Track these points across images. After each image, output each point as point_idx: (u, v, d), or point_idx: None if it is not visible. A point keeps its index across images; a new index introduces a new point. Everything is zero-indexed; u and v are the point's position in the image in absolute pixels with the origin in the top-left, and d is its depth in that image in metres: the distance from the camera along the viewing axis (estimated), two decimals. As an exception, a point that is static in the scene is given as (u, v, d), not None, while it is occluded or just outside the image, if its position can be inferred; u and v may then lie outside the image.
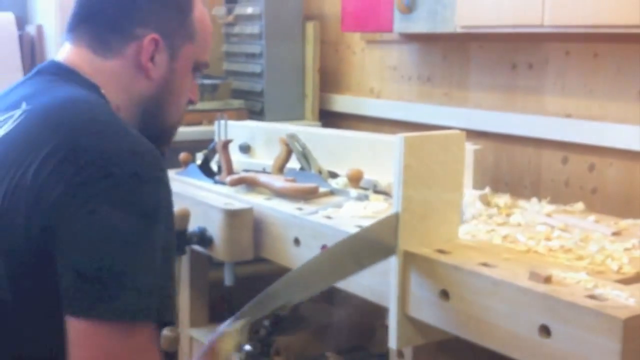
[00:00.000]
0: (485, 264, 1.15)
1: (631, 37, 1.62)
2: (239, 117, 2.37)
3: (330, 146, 1.94)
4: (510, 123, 1.95)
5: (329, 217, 1.50)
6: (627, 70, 1.69)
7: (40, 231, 0.89)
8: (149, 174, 0.93)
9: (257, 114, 2.50)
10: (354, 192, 1.69)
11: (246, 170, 1.92)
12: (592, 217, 1.50)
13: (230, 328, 1.12)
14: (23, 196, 0.90)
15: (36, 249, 0.89)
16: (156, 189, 0.94)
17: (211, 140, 1.98)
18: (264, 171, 1.92)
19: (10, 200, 0.91)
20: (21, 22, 2.51)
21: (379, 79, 2.41)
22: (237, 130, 2.08)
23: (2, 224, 0.90)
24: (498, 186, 1.90)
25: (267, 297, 1.17)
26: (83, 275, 0.87)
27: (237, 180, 1.78)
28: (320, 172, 1.80)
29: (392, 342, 1.25)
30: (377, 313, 1.46)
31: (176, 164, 2.00)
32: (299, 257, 1.50)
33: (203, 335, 1.82)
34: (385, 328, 1.27)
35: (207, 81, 2.48)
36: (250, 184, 1.77)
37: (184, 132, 2.29)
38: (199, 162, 1.97)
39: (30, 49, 2.42)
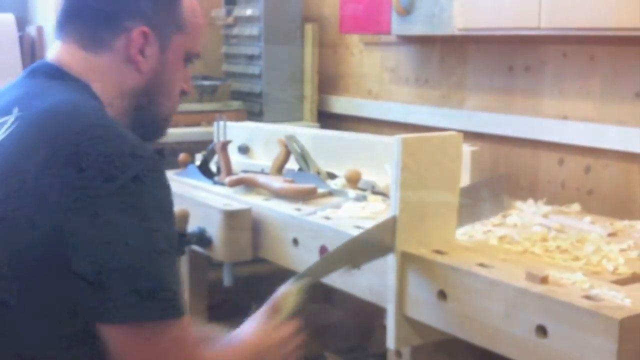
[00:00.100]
0: (482, 265, 1.15)
1: (627, 40, 1.63)
2: (238, 119, 2.37)
3: (329, 147, 1.94)
4: (508, 125, 1.96)
5: (327, 218, 1.51)
6: (623, 72, 1.70)
7: (44, 236, 0.89)
8: (150, 176, 0.93)
9: (256, 115, 2.51)
10: (352, 192, 1.70)
11: (245, 171, 1.93)
12: (588, 218, 1.51)
13: (292, 288, 1.13)
14: (26, 201, 0.90)
15: (41, 253, 0.90)
16: (157, 190, 0.94)
17: (210, 141, 1.99)
18: (262, 172, 1.92)
19: (12, 205, 0.91)
20: (21, 23, 2.52)
21: (377, 80, 2.42)
22: (236, 131, 2.09)
23: (5, 229, 0.91)
24: (495, 187, 1.90)
25: (329, 260, 1.17)
26: (101, 282, 0.89)
27: (236, 181, 1.78)
28: (318, 173, 1.81)
29: (390, 342, 1.25)
30: (375, 313, 1.47)
31: (175, 165, 2.01)
32: (297, 257, 1.51)
33: (202, 335, 1.83)
34: (383, 328, 1.28)
35: (206, 82, 2.49)
36: (249, 185, 1.78)
37: (183, 133, 2.31)
38: (198, 163, 1.98)
39: (31, 50, 2.43)
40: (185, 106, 2.36)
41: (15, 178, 0.91)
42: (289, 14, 2.50)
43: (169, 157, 2.19)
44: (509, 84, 1.97)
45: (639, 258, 1.25)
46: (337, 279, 1.33)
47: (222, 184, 1.84)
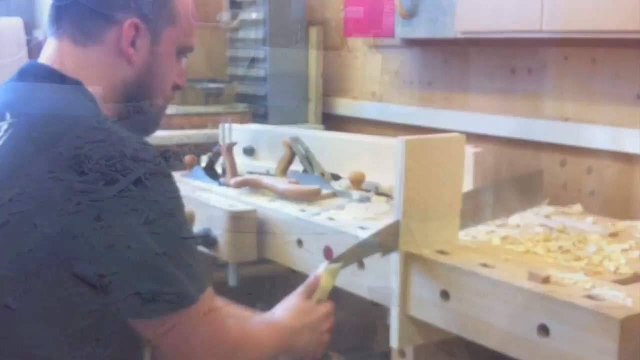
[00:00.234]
0: (484, 265, 1.16)
1: (629, 42, 1.63)
2: (243, 121, 2.39)
3: (333, 149, 1.95)
4: (510, 126, 1.96)
5: (331, 219, 1.52)
6: (624, 74, 1.71)
7: (47, 239, 0.89)
8: (152, 179, 0.94)
9: (261, 118, 2.52)
10: (356, 194, 1.71)
11: (250, 173, 1.94)
12: (589, 219, 1.52)
13: (326, 270, 1.15)
14: (28, 205, 0.90)
15: (43, 257, 0.90)
16: (160, 193, 0.95)
17: (216, 143, 2.00)
18: (267, 173, 1.94)
19: (15, 209, 0.91)
20: (29, 27, 2.53)
21: (381, 83, 2.43)
22: (241, 133, 2.10)
23: (8, 233, 0.91)
24: (498, 189, 1.91)
25: (363, 245, 1.18)
26: (103, 285, 0.90)
27: (241, 183, 1.79)
28: (322, 174, 1.82)
29: (394, 342, 1.26)
30: (378, 313, 1.48)
31: (181, 167, 2.02)
32: (302, 258, 1.52)
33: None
34: (386, 328, 1.29)
35: (211, 85, 2.50)
36: (254, 186, 1.79)
37: (190, 135, 2.32)
38: (203, 164, 1.99)
39: (38, 54, 2.44)
40: (191, 109, 2.38)
41: (16, 182, 0.91)
42: (294, 18, 2.51)
43: (174, 159, 2.20)
44: (511, 86, 1.98)
45: (640, 258, 1.26)
46: (340, 279, 1.34)
47: (227, 185, 1.85)
